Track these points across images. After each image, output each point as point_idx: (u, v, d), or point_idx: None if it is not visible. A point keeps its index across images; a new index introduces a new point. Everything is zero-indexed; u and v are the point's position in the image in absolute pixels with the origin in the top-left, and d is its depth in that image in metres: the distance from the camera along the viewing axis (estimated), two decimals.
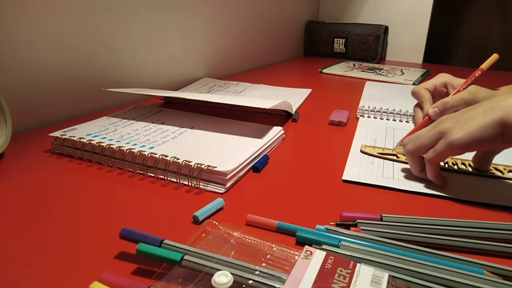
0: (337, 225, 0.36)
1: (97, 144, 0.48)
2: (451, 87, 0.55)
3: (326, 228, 0.34)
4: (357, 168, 0.48)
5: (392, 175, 0.46)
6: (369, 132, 0.61)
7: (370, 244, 0.33)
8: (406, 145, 0.45)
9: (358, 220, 0.36)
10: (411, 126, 0.66)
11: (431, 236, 0.34)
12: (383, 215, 0.37)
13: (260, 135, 0.54)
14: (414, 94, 0.57)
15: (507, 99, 0.38)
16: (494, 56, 0.55)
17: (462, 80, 0.55)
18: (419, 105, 0.57)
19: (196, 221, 0.36)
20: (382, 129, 0.63)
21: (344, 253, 0.31)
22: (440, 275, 0.28)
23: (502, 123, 0.37)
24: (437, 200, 0.41)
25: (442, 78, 0.57)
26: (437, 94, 0.57)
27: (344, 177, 0.45)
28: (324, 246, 0.31)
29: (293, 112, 0.67)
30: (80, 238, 0.33)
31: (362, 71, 1.15)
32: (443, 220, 0.36)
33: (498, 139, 0.38)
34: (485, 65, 0.55)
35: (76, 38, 0.64)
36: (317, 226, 0.35)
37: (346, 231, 0.34)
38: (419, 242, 0.33)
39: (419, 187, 0.44)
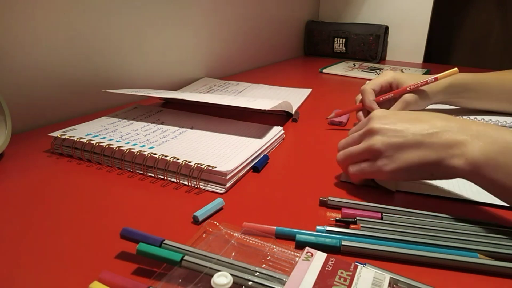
0: (336, 221, 0.36)
1: (96, 144, 0.48)
2: (397, 83, 0.62)
3: (327, 230, 0.34)
4: None
5: None
6: None
7: (371, 240, 0.33)
8: (338, 153, 0.44)
9: (358, 218, 0.36)
10: None
11: (432, 235, 0.34)
12: (384, 214, 0.37)
13: (260, 135, 0.54)
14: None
15: (441, 136, 0.36)
16: (454, 71, 0.58)
17: (408, 76, 0.62)
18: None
19: (196, 221, 0.36)
20: None
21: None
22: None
23: (435, 164, 0.36)
24: (440, 201, 0.41)
25: (387, 76, 0.63)
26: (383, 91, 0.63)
27: (342, 179, 0.45)
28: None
29: (293, 112, 0.67)
30: (80, 238, 0.33)
31: (362, 71, 1.15)
32: (446, 220, 0.36)
33: (428, 177, 0.38)
34: (441, 76, 0.58)
35: (75, 38, 0.64)
36: (317, 227, 0.35)
37: (346, 230, 0.34)
38: (420, 242, 0.33)
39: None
